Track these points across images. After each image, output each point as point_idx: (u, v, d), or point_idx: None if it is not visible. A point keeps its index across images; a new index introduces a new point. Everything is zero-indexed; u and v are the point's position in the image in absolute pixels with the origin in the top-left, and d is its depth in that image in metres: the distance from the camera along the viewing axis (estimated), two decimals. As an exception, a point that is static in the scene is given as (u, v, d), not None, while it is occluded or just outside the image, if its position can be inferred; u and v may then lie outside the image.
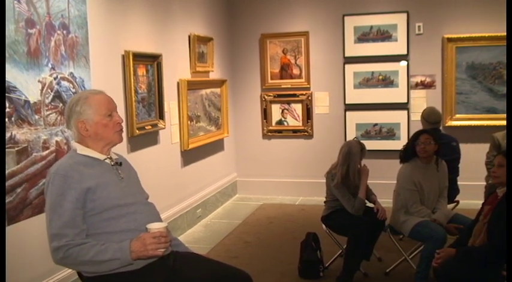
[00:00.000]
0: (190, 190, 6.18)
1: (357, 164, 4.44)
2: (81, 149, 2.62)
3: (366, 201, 4.47)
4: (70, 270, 3.72)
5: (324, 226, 4.59)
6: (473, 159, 5.86)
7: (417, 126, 5.43)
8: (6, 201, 3.43)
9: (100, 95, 2.66)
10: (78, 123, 2.59)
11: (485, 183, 5.03)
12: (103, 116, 2.60)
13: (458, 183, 5.20)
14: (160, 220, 2.70)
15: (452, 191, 4.93)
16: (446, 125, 6.73)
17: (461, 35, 6.64)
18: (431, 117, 5.32)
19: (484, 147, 5.28)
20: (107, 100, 2.65)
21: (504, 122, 5.67)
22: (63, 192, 2.44)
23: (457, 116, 6.79)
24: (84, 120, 2.58)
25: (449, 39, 6.68)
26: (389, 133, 7.01)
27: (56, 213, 2.43)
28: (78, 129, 2.60)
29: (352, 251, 4.22)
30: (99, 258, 2.40)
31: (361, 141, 4.72)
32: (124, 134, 4.62)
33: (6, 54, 3.42)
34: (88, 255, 2.39)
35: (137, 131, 4.86)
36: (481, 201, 3.75)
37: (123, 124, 2.85)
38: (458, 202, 5.17)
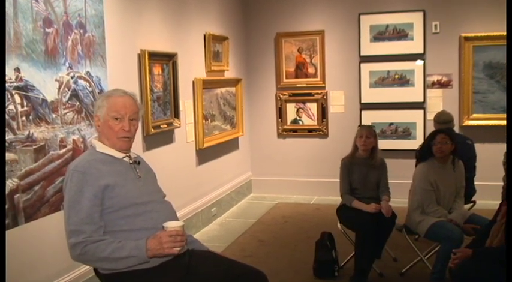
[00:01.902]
0: (205, 189, 6.20)
1: (362, 139, 4.50)
2: (101, 147, 2.65)
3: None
4: (87, 267, 3.74)
5: (338, 223, 4.59)
6: (491, 159, 5.80)
7: (433, 126, 5.39)
8: (24, 199, 3.46)
9: (122, 97, 2.66)
10: (94, 116, 2.70)
11: (502, 183, 4.98)
12: (110, 118, 2.62)
13: (475, 183, 5.15)
14: (176, 219, 2.71)
15: (469, 191, 4.89)
16: (463, 124, 6.68)
17: (479, 34, 6.58)
18: (440, 118, 5.34)
19: (502, 147, 5.20)
20: (122, 104, 2.64)
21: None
22: (81, 189, 2.47)
23: (474, 115, 6.73)
24: (98, 115, 2.66)
25: (467, 38, 6.62)
26: (405, 133, 6.97)
27: (74, 210, 2.45)
28: (94, 122, 2.70)
29: (360, 249, 4.20)
30: (116, 256, 2.41)
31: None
32: (139, 133, 4.68)
33: (24, 53, 3.46)
34: (105, 252, 2.41)
35: (152, 130, 4.88)
36: (498, 202, 3.72)
37: (139, 127, 2.86)
38: (475, 202, 5.13)
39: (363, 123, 6.82)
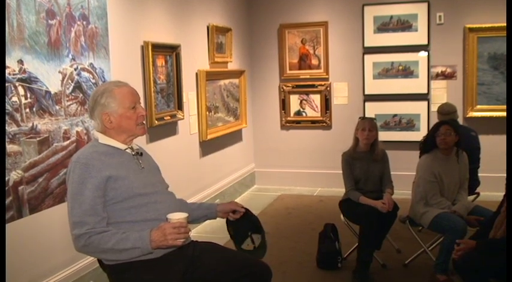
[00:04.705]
0: (208, 180, 6.20)
1: (364, 132, 4.44)
2: (103, 139, 2.64)
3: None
4: (91, 258, 3.77)
5: (341, 215, 4.59)
6: (495, 151, 5.80)
7: (437, 118, 5.38)
8: (28, 191, 3.47)
9: (124, 87, 2.67)
10: (102, 115, 2.61)
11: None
12: (127, 109, 2.62)
13: (479, 174, 5.14)
14: (180, 210, 2.71)
15: (473, 183, 4.89)
16: (467, 116, 6.66)
17: (483, 25, 6.54)
18: (444, 109, 5.33)
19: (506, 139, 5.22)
20: (130, 92, 2.66)
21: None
22: (83, 181, 2.47)
23: (478, 107, 6.70)
24: (109, 112, 2.60)
25: (471, 29, 6.59)
26: (409, 124, 6.96)
27: (77, 201, 2.45)
28: (102, 121, 2.61)
29: (364, 241, 4.20)
30: (120, 247, 2.42)
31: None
32: (143, 125, 4.68)
33: (27, 45, 3.46)
34: (109, 244, 2.41)
35: (156, 122, 4.88)
36: (502, 193, 3.71)
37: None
38: (478, 194, 5.13)
39: (366, 115, 6.82)
